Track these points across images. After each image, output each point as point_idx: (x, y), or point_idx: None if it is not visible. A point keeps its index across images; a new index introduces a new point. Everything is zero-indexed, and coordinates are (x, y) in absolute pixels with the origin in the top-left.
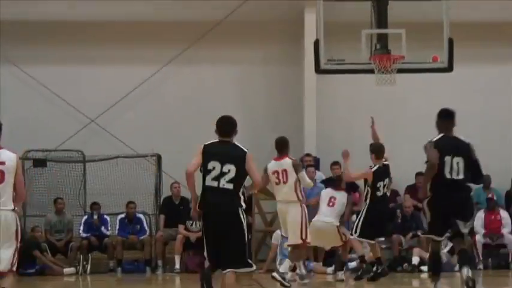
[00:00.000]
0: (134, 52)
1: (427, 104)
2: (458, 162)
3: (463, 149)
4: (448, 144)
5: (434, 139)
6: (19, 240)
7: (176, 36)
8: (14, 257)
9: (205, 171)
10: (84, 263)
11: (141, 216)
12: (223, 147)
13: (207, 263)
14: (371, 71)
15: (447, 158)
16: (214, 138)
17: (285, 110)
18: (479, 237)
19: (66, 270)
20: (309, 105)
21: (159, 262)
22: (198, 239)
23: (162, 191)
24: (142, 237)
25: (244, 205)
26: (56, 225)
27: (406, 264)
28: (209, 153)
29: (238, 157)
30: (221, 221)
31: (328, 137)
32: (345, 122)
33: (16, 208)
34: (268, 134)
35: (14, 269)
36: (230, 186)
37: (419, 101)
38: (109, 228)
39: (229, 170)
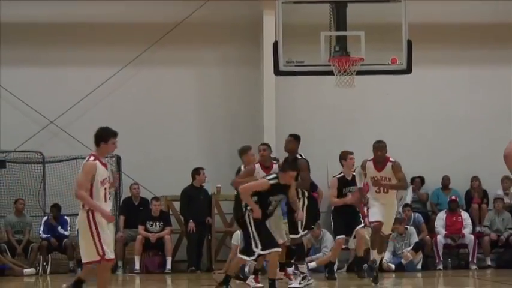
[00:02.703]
0: (93, 54)
1: (387, 105)
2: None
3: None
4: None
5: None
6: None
7: (135, 37)
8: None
9: None
10: (44, 263)
11: None
12: None
13: None
14: (330, 73)
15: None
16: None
17: (243, 111)
18: (440, 238)
19: (26, 270)
20: (268, 106)
21: (119, 263)
22: (157, 240)
23: (121, 191)
24: None
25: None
26: (16, 226)
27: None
28: None
29: None
30: None
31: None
32: (304, 123)
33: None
34: (226, 135)
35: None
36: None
37: (379, 102)
38: (68, 228)
39: None
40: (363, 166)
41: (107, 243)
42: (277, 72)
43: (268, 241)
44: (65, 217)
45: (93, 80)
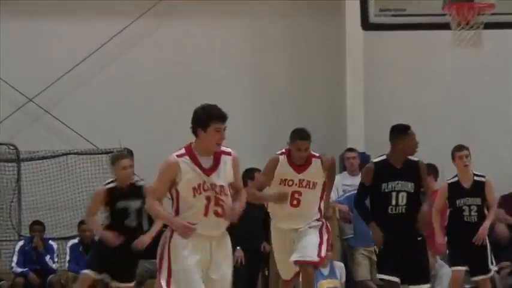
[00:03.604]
0: (90, 2)
1: None
2: None
3: None
4: None
5: None
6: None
7: None
8: None
9: None
10: None
11: None
12: None
13: None
14: (445, 26)
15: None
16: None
17: (317, 82)
18: None
19: None
20: (353, 74)
21: None
22: None
23: None
24: None
25: None
26: None
27: None
28: None
29: None
30: None
31: (381, 124)
32: (405, 101)
33: None
34: (292, 119)
35: None
36: None
37: None
38: (56, 259)
39: None
40: None
41: (182, 280)
42: (367, 25)
43: None
44: (50, 242)
45: (91, 40)
